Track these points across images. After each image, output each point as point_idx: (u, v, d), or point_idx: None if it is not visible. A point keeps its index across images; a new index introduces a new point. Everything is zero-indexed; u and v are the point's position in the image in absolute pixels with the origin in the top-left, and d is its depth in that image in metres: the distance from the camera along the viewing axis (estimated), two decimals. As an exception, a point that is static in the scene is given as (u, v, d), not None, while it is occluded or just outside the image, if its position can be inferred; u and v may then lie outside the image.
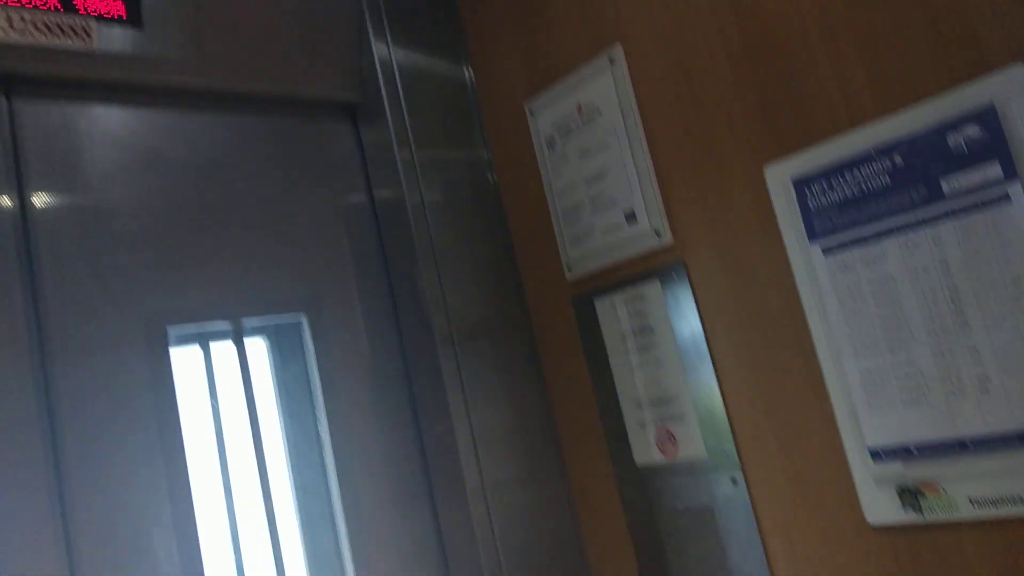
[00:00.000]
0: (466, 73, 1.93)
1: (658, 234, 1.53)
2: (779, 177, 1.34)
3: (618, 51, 1.57)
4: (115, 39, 1.44)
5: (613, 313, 1.62)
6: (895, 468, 1.23)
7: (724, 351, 1.46)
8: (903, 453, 1.23)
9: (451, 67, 1.91)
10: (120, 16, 1.44)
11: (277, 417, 1.63)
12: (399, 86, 1.78)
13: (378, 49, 1.78)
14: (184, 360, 1.47)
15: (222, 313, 1.54)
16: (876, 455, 1.25)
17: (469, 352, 1.71)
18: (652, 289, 1.55)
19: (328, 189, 1.76)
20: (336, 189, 1.77)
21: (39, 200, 1.38)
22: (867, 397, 1.25)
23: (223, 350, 1.55)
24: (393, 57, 1.79)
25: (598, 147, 1.60)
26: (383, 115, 1.75)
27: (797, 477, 1.36)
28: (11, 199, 1.35)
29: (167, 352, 1.43)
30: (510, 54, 1.80)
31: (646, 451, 1.59)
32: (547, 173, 1.71)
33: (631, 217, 1.56)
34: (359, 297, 1.74)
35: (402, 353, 1.77)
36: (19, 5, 1.35)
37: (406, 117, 1.77)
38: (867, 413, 1.25)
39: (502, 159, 1.84)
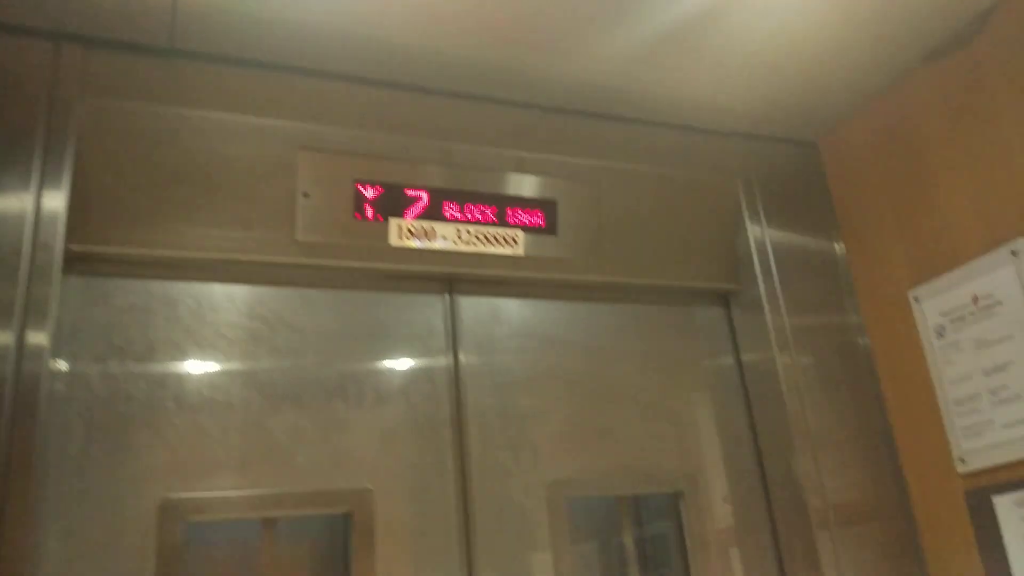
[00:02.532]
0: (836, 247, 1.97)
1: (1076, 435, 1.41)
2: None
3: (1022, 244, 1.51)
4: (535, 245, 1.72)
5: (1018, 512, 1.49)
6: None
7: None
8: None
9: (822, 243, 1.97)
10: (540, 226, 1.73)
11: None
12: (772, 266, 1.88)
13: (753, 233, 1.90)
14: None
15: (611, 487, 1.73)
16: None
17: (846, 537, 1.67)
18: (1069, 495, 1.42)
19: (700, 368, 1.88)
20: (707, 367, 1.89)
21: (467, 368, 1.68)
22: None
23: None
24: (767, 240, 1.90)
25: (999, 339, 1.53)
26: (757, 298, 1.84)
27: None
28: (449, 365, 1.67)
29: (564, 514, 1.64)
30: (889, 240, 1.81)
31: None
32: (935, 361, 1.66)
33: (1040, 413, 1.46)
34: (731, 475, 1.80)
35: (773, 532, 1.77)
36: (466, 221, 1.68)
37: (779, 293, 1.85)
38: None
39: (880, 341, 1.82)
